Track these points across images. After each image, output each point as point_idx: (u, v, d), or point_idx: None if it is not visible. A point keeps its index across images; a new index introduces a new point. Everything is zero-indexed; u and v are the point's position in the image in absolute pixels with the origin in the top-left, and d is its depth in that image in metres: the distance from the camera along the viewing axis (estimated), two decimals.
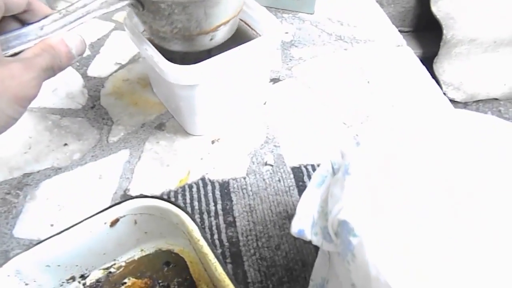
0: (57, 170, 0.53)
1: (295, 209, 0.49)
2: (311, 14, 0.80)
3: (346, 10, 0.82)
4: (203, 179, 0.52)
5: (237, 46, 0.48)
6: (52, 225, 0.47)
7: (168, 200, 0.37)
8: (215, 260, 0.33)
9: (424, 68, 0.70)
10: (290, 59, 0.70)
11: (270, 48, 0.54)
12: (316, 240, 0.29)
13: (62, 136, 0.57)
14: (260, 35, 0.56)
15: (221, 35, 0.47)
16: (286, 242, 0.46)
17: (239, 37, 0.57)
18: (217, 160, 0.54)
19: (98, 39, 0.73)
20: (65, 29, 0.33)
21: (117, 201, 0.37)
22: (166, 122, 0.59)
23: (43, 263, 0.36)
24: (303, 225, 0.29)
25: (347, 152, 0.30)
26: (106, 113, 0.60)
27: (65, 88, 0.63)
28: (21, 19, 0.32)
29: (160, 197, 0.37)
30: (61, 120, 0.59)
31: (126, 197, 0.50)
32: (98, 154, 0.55)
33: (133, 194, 0.50)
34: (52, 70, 0.31)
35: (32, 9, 0.31)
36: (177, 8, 0.40)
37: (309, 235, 0.29)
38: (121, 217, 0.37)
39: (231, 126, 0.58)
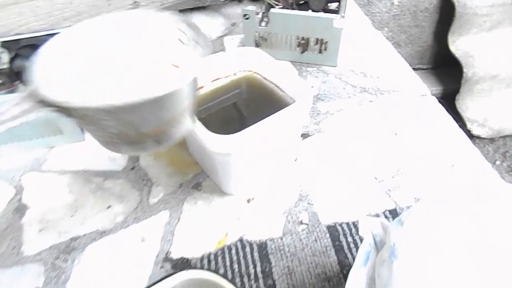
0: (102, 234, 0.55)
1: (333, 271, 0.49)
2: (334, 66, 0.83)
3: (367, 61, 0.85)
4: (241, 240, 0.53)
5: (270, 109, 0.51)
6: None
7: (217, 272, 0.38)
8: None
9: (450, 117, 0.71)
10: (318, 114, 0.72)
11: (303, 112, 0.57)
12: None
13: (105, 198, 0.60)
14: (290, 97, 0.59)
15: (172, 135, 0.38)
16: None
17: (272, 99, 0.61)
18: (253, 220, 0.56)
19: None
20: None
21: (169, 273, 0.39)
22: (202, 181, 0.61)
23: None
24: None
25: (391, 231, 0.31)
26: (145, 174, 0.63)
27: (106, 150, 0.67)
28: None
29: (211, 270, 0.38)
30: (104, 182, 0.62)
31: (168, 260, 0.52)
32: (140, 216, 0.57)
33: (174, 257, 0.52)
34: None
35: None
36: (103, 114, 0.32)
37: None
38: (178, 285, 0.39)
39: (265, 184, 0.60)
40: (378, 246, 0.34)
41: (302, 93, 0.55)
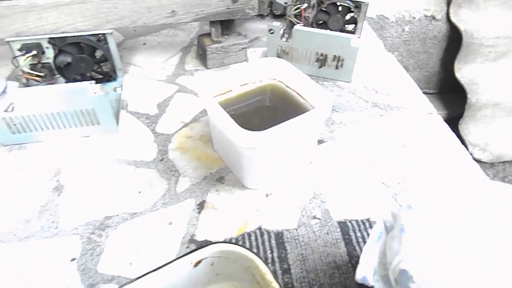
0: (133, 215, 0.61)
1: (342, 260, 0.55)
2: (348, 82, 0.90)
3: (379, 79, 0.92)
4: (259, 228, 0.59)
5: (291, 114, 0.57)
6: (130, 264, 0.55)
7: (244, 246, 0.44)
8: None
9: (453, 134, 0.78)
10: (332, 123, 0.79)
11: (322, 118, 0.63)
12: (377, 286, 0.35)
13: (136, 184, 0.66)
14: (310, 104, 0.66)
15: None
16: None
17: (293, 105, 0.67)
18: (271, 212, 0.61)
19: (164, 100, 0.84)
20: None
21: (199, 246, 0.45)
22: (225, 175, 0.67)
23: None
24: (366, 273, 0.36)
25: (401, 214, 0.37)
26: (173, 165, 0.69)
27: (139, 142, 0.73)
28: None
29: (238, 244, 0.44)
30: (136, 170, 0.68)
31: (193, 242, 0.57)
32: (167, 202, 0.63)
33: (199, 239, 0.58)
34: None
35: None
36: None
37: (371, 281, 0.35)
38: (203, 259, 0.44)
39: (283, 181, 0.66)
40: (388, 230, 0.40)
41: (322, 101, 0.61)
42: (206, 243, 0.45)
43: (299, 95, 0.68)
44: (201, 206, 0.62)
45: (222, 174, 0.68)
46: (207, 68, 0.94)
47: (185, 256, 0.44)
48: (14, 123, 0.70)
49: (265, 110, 0.70)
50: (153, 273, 0.43)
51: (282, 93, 0.70)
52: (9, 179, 0.66)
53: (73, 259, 0.55)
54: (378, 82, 0.91)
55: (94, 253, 0.56)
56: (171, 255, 0.56)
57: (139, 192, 0.64)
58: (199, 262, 0.45)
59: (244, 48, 0.95)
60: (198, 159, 0.70)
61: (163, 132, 0.76)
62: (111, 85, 0.86)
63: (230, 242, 0.45)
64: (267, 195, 0.64)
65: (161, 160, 0.70)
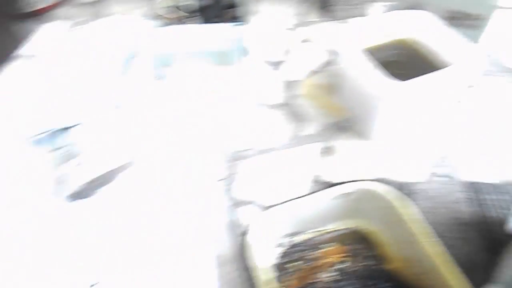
0: (265, 150, 0.67)
1: (471, 219, 0.55)
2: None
3: None
4: (384, 178, 0.61)
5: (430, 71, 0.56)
6: (262, 192, 0.61)
7: (402, 183, 0.47)
8: (432, 239, 0.42)
9: None
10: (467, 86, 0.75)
11: (468, 76, 0.61)
12: None
13: (267, 124, 0.71)
14: (453, 62, 0.63)
15: None
16: (459, 245, 0.53)
17: (432, 63, 0.65)
18: (396, 165, 0.63)
19: (289, 48, 0.87)
20: None
21: (351, 180, 0.48)
22: (350, 126, 0.70)
23: (287, 215, 0.48)
24: None
25: None
26: (299, 111, 0.73)
27: (266, 87, 0.78)
28: None
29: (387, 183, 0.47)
30: (268, 111, 0.73)
31: (320, 181, 0.62)
32: (295, 143, 0.68)
33: (325, 180, 0.62)
34: None
35: None
36: None
37: None
38: (351, 192, 0.49)
39: (410, 137, 0.66)
40: None
41: (465, 58, 0.59)
42: (349, 181, 0.48)
43: (439, 52, 0.66)
44: (326, 150, 0.66)
45: (347, 124, 0.70)
46: (332, 19, 0.94)
47: (334, 187, 0.48)
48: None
49: (398, 65, 0.69)
50: (302, 198, 0.48)
51: (418, 49, 0.68)
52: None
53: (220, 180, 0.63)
54: None
55: (233, 180, 0.63)
56: (300, 190, 0.61)
57: (270, 131, 0.70)
58: (347, 194, 0.49)
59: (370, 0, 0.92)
60: (324, 107, 0.73)
61: (292, 79, 0.80)
62: (239, 29, 0.91)
63: (378, 180, 0.48)
64: (393, 149, 0.65)
65: (288, 104, 0.74)
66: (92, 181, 0.57)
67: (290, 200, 0.47)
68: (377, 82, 0.56)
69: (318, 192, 0.48)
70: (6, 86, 0.83)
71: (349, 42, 0.63)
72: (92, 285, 0.48)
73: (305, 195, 0.48)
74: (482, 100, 0.72)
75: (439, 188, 0.59)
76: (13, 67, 0.87)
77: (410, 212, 0.45)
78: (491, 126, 0.68)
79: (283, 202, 0.47)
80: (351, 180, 0.48)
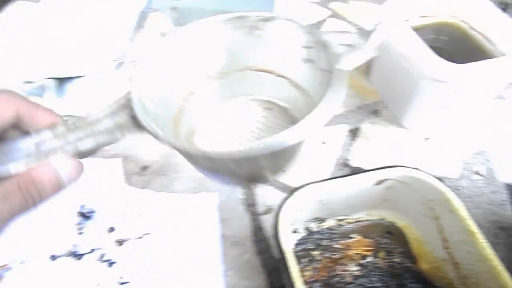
0: None
1: (509, 223, 0.50)
2: None
3: None
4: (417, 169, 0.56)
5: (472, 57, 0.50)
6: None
7: (437, 177, 0.41)
8: (483, 239, 0.37)
9: None
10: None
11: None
12: None
13: None
14: (501, 51, 0.58)
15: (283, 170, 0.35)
16: (500, 251, 0.48)
17: (471, 48, 0.60)
18: (430, 157, 0.58)
19: (316, 22, 0.80)
20: (67, 149, 0.26)
21: (387, 165, 0.43)
22: (380, 110, 0.64)
23: (318, 199, 0.43)
24: None
25: None
26: None
27: None
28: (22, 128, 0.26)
29: (430, 174, 0.41)
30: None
31: (347, 166, 0.56)
32: None
33: (353, 165, 0.56)
34: (27, 207, 0.25)
35: (33, 116, 0.26)
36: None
37: None
38: (386, 180, 0.43)
39: (445, 129, 0.61)
40: None
41: None
42: (385, 166, 0.43)
43: (492, 40, 0.59)
44: (354, 133, 0.60)
45: (377, 108, 0.64)
46: None
47: (371, 172, 0.42)
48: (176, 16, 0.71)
49: (445, 49, 0.63)
50: (336, 179, 0.42)
51: (467, 35, 0.62)
52: None
53: None
54: None
55: None
56: (325, 173, 0.55)
57: None
58: (381, 182, 0.43)
59: None
60: (352, 88, 0.67)
61: None
62: None
63: (418, 169, 0.42)
64: (426, 139, 0.60)
65: None
66: None
67: (316, 182, 0.41)
68: (428, 62, 0.50)
69: (348, 177, 0.42)
70: (5, 28, 0.75)
71: (394, 18, 0.57)
72: None
73: (333, 178, 0.42)
74: None
75: (475, 187, 0.54)
76: (14, 8, 0.78)
77: (458, 207, 0.39)
78: None
79: (307, 184, 0.41)
80: (387, 166, 0.42)
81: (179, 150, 0.27)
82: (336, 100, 0.27)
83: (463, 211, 0.39)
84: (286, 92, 0.36)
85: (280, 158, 0.30)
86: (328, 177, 0.43)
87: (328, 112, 0.26)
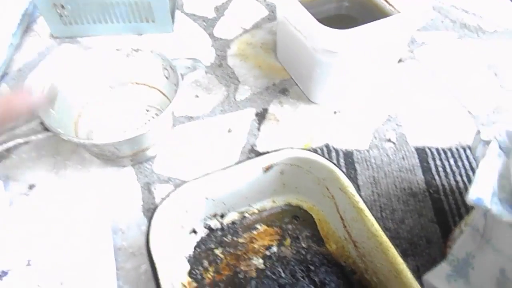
0: (189, 118, 0.57)
1: (419, 188, 0.49)
2: None
3: None
4: (327, 146, 0.53)
5: (372, 20, 0.48)
6: (187, 166, 0.52)
7: (323, 156, 0.38)
8: (371, 216, 0.35)
9: None
10: (412, 42, 0.68)
11: (412, 26, 0.54)
12: (496, 209, 0.29)
13: (193, 88, 0.61)
14: (397, 9, 0.56)
15: (141, 158, 0.51)
16: (411, 218, 0.47)
17: (372, 11, 0.57)
18: (340, 131, 0.55)
19: (223, 3, 0.76)
20: None
21: (273, 150, 0.40)
22: (289, 88, 0.61)
23: (204, 195, 0.39)
24: (483, 194, 0.30)
25: None
26: (232, 72, 0.63)
27: (196, 45, 0.67)
28: None
29: (316, 152, 0.39)
30: (193, 73, 0.62)
31: (254, 152, 0.53)
32: (226, 109, 0.58)
33: (260, 151, 0.53)
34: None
35: None
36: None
37: (488, 204, 0.29)
38: (274, 165, 0.40)
39: (354, 99, 0.59)
40: (504, 150, 0.33)
41: (413, 5, 0.51)
42: (273, 150, 0.40)
43: (388, 1, 0.57)
44: (262, 116, 0.57)
45: (285, 86, 0.61)
46: None
47: (256, 158, 0.39)
48: (66, 14, 0.65)
49: (341, 19, 0.60)
50: (219, 172, 0.39)
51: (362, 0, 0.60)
52: None
53: None
54: (470, 1, 0.77)
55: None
56: (232, 162, 0.52)
57: (196, 96, 0.60)
58: (270, 167, 0.40)
59: None
60: (259, 68, 0.64)
61: (221, 37, 0.69)
62: None
63: (307, 149, 0.39)
64: (335, 112, 0.57)
65: (220, 65, 0.64)
66: None
67: (196, 179, 0.38)
68: (316, 33, 0.47)
69: (229, 168, 0.38)
70: None
71: None
72: None
73: (212, 173, 0.38)
74: (430, 58, 0.66)
75: (385, 155, 0.53)
76: None
77: (347, 184, 0.37)
78: (436, 87, 0.62)
79: (200, 177, 0.38)
80: (276, 149, 0.39)
81: (78, 143, 0.43)
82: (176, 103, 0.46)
83: (351, 188, 0.37)
84: (158, 99, 0.54)
85: (140, 142, 0.47)
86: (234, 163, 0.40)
87: (170, 110, 0.46)
